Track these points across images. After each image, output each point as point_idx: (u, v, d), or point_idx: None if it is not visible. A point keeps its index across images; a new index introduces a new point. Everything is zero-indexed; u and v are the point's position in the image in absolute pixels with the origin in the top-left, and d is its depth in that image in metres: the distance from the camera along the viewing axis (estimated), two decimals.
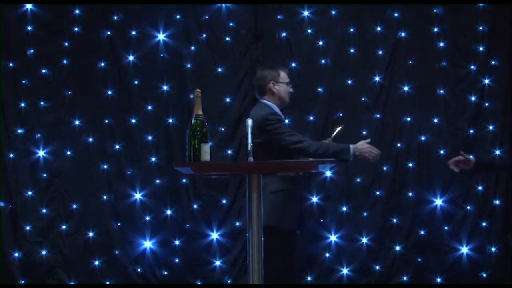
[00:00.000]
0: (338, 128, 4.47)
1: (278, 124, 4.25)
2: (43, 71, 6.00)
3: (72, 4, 6.01)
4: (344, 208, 5.96)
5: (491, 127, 5.99)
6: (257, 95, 4.49)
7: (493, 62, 6.01)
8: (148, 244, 5.94)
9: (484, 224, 5.95)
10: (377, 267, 5.94)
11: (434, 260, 5.92)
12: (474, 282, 5.87)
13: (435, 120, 6.00)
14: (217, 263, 5.91)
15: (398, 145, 6.01)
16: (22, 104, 5.99)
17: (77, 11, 6.02)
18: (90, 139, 6.01)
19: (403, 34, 6.04)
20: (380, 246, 5.96)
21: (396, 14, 6.04)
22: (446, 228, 5.95)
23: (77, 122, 6.01)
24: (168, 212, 5.98)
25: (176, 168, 3.55)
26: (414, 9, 6.02)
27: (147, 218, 5.97)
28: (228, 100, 5.98)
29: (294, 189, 4.32)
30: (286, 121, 5.90)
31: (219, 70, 6.01)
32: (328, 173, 5.93)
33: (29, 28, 5.99)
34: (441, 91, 6.02)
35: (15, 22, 5.98)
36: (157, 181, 5.99)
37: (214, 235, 5.91)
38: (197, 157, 3.58)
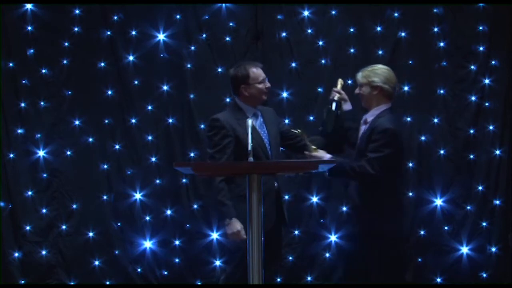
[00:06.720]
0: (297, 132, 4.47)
1: (213, 132, 4.35)
2: (43, 71, 6.00)
3: (72, 4, 6.00)
4: (344, 208, 5.95)
5: (491, 127, 5.98)
6: (232, 93, 4.54)
7: (493, 62, 6.00)
8: (148, 244, 5.94)
9: (484, 224, 5.95)
10: None
11: (434, 260, 5.92)
12: (474, 282, 5.87)
13: (435, 120, 6.00)
14: (217, 263, 5.91)
15: None
16: (22, 104, 5.99)
17: (77, 11, 6.01)
18: (90, 139, 6.01)
19: (403, 34, 6.03)
20: None
21: (396, 14, 6.04)
22: (446, 228, 5.95)
23: (77, 122, 6.01)
24: (168, 212, 5.98)
25: (176, 168, 3.55)
26: (414, 9, 6.02)
27: (147, 218, 5.97)
28: (228, 100, 5.97)
29: None
30: (286, 121, 5.91)
31: (219, 70, 6.01)
32: None
33: (29, 28, 5.99)
34: (441, 91, 6.02)
35: (15, 22, 5.98)
36: (157, 181, 5.99)
37: (214, 235, 5.91)
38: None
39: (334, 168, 4.10)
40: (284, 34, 6.04)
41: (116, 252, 5.95)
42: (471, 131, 6.00)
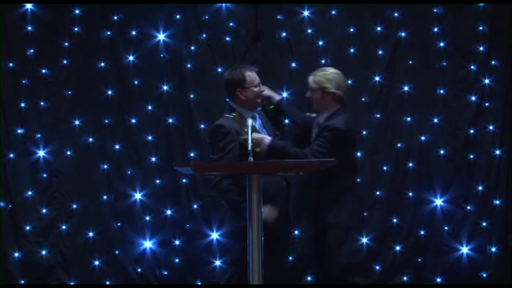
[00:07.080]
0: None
1: (219, 138, 4.30)
2: (43, 71, 6.00)
3: (72, 4, 6.01)
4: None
5: (491, 127, 5.99)
6: (226, 96, 4.54)
7: (493, 62, 6.01)
8: (148, 244, 5.94)
9: (484, 224, 5.96)
10: (377, 267, 5.94)
11: (434, 260, 5.93)
12: (474, 282, 5.87)
13: (435, 120, 6.00)
14: (217, 263, 5.91)
15: (398, 145, 6.01)
16: (22, 104, 5.99)
17: (77, 11, 6.02)
18: (90, 139, 6.01)
19: (403, 34, 6.04)
20: (380, 246, 5.95)
21: (396, 14, 6.04)
22: (446, 228, 5.95)
23: (77, 122, 6.01)
24: (168, 212, 5.98)
25: (176, 168, 3.55)
26: (414, 9, 6.02)
27: (147, 218, 5.97)
28: (228, 100, 5.97)
29: None
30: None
31: (219, 70, 6.01)
32: None
33: (29, 28, 5.99)
34: (441, 91, 6.02)
35: (15, 22, 5.98)
36: (157, 181, 5.99)
37: (214, 235, 5.91)
38: None
39: (277, 149, 4.22)
40: (284, 34, 6.04)
41: (116, 252, 5.95)
42: (471, 131, 6.00)
